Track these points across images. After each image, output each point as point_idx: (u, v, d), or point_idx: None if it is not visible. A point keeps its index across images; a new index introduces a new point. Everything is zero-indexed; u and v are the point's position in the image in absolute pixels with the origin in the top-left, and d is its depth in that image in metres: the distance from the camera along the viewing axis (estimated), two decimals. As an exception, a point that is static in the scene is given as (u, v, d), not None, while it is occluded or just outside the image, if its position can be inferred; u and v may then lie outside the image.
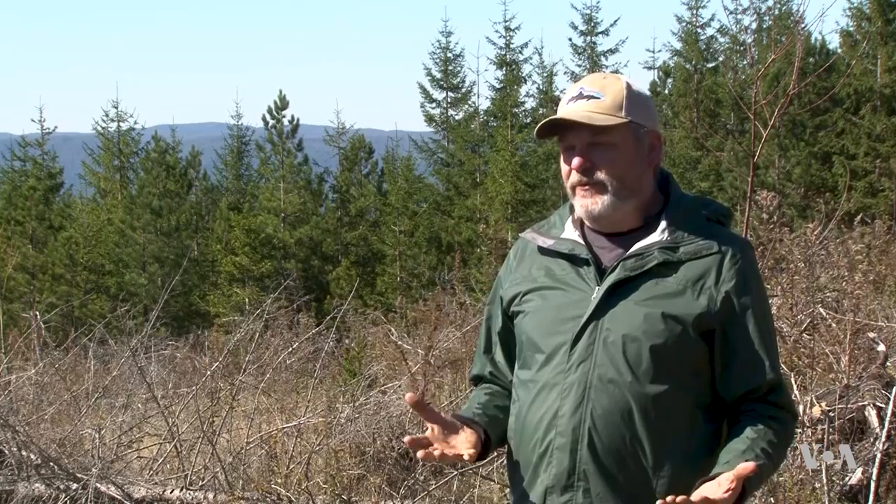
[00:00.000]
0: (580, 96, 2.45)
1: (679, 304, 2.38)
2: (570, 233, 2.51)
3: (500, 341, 2.62)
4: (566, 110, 2.45)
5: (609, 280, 2.42)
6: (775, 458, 2.37)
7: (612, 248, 2.47)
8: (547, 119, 2.46)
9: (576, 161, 2.43)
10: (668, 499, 2.17)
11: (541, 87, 30.63)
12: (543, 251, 2.53)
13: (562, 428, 2.39)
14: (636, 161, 2.45)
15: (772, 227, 5.81)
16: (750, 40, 28.29)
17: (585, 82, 2.50)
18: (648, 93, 2.58)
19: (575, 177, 2.45)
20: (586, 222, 2.50)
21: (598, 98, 2.44)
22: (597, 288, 2.43)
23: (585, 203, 2.44)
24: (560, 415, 2.40)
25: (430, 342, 5.99)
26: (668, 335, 2.37)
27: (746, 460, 2.27)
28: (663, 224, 2.45)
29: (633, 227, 2.47)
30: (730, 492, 2.19)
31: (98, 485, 6.09)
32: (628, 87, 2.47)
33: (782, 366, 3.90)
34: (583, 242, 2.48)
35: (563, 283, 2.47)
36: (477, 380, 2.69)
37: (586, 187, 2.44)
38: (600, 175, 2.42)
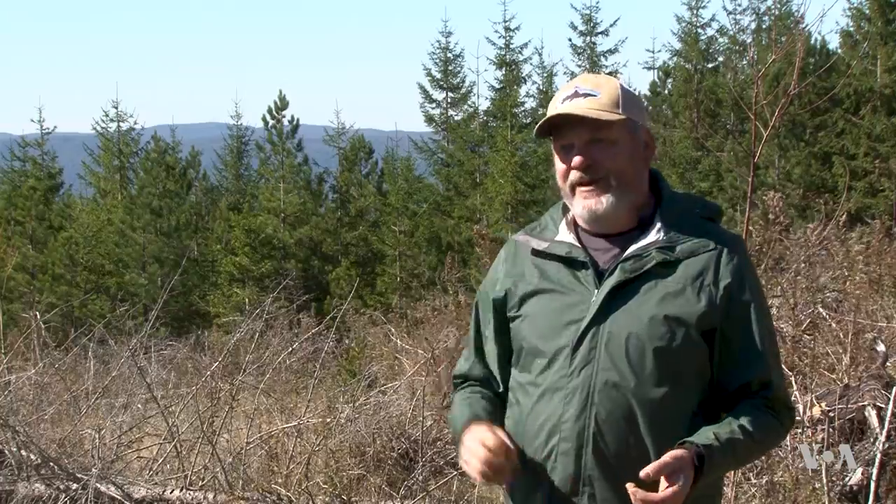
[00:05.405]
0: (576, 95, 2.44)
1: (680, 304, 2.37)
2: (565, 235, 2.49)
3: (490, 343, 2.59)
4: (564, 108, 2.43)
5: (609, 283, 2.40)
6: (757, 436, 2.35)
7: (607, 250, 2.45)
8: (548, 116, 2.43)
9: (577, 159, 2.41)
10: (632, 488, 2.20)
11: (541, 87, 30.61)
12: (538, 254, 2.50)
13: (566, 433, 2.38)
14: (634, 157, 2.45)
15: (777, 227, 5.81)
16: (749, 40, 28.29)
17: (579, 81, 2.48)
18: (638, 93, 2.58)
19: (575, 175, 2.43)
20: (585, 224, 2.47)
21: (595, 95, 2.43)
22: (596, 291, 2.41)
23: (588, 203, 2.42)
24: (564, 420, 2.38)
25: (431, 346, 6.00)
26: (671, 337, 2.36)
27: (716, 434, 2.29)
28: (658, 224, 2.44)
29: (627, 227, 2.46)
30: (669, 488, 2.20)
31: (98, 485, 6.09)
32: (621, 85, 2.47)
33: (783, 367, 3.90)
34: (579, 245, 2.46)
35: (560, 286, 2.45)
36: (462, 378, 2.64)
37: (588, 187, 2.41)
38: (602, 172, 2.41)
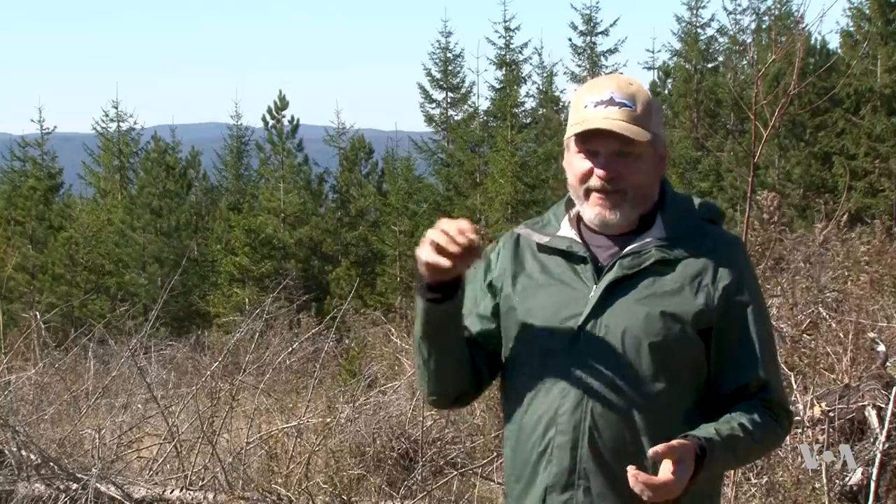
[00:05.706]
0: (611, 102, 2.42)
1: (677, 302, 2.39)
2: (567, 231, 2.50)
3: (472, 322, 2.55)
4: (598, 116, 2.41)
5: (607, 278, 2.42)
6: (756, 436, 2.36)
7: (608, 247, 2.46)
8: (588, 128, 2.40)
9: (602, 171, 2.41)
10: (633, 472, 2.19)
11: (541, 87, 30.66)
12: (540, 248, 2.51)
13: (562, 426, 2.39)
14: (653, 172, 2.46)
15: (772, 226, 5.81)
16: (749, 40, 28.32)
17: (613, 87, 2.45)
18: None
19: (596, 182, 2.42)
20: (591, 225, 2.48)
21: (630, 107, 2.41)
22: (594, 286, 2.42)
23: (602, 212, 2.43)
24: (560, 413, 2.39)
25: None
26: (666, 333, 2.37)
27: (717, 430, 2.29)
28: (659, 223, 2.46)
29: (629, 228, 2.46)
30: (672, 474, 2.19)
31: (98, 485, 6.10)
32: (650, 95, 2.47)
33: (783, 366, 3.90)
34: (580, 241, 2.47)
35: (559, 280, 2.46)
36: None
37: (604, 196, 2.42)
38: (622, 185, 2.41)
